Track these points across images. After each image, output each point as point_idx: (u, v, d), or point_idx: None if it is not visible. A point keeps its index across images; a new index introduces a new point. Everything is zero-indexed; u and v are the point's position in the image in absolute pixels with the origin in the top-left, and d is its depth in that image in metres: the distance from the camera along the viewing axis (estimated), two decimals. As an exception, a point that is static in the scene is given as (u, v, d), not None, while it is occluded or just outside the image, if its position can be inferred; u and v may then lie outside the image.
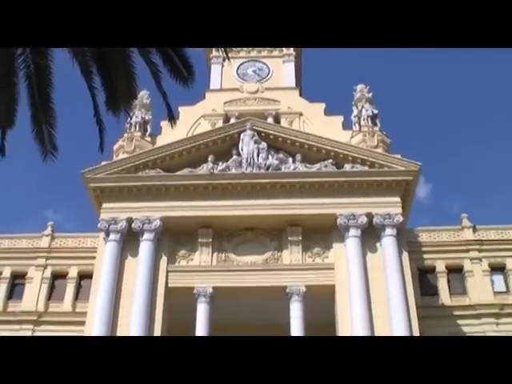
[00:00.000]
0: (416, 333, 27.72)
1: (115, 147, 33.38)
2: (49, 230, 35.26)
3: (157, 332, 28.46)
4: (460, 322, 31.64)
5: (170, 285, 29.80)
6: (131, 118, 31.30)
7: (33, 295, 33.42)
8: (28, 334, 32.17)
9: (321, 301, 28.92)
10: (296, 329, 28.35)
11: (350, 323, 27.88)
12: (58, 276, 33.96)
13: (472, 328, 31.39)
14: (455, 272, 33.29)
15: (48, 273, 33.89)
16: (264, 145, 31.63)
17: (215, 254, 30.55)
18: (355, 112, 34.37)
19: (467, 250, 33.63)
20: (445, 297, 32.46)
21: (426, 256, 33.27)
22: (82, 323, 29.64)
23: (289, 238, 30.41)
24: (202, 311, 29.07)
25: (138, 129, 33.29)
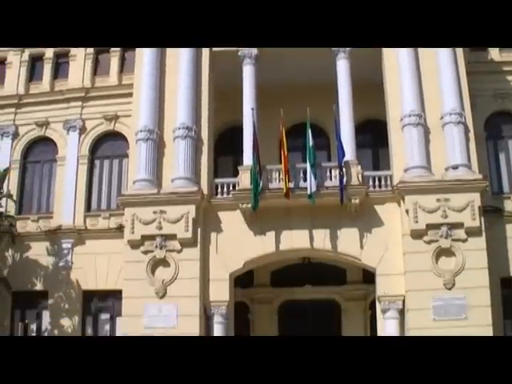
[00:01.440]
0: (465, 89, 27.50)
1: None
2: (88, 5, 34.39)
3: (204, 99, 28.55)
4: (509, 78, 30.85)
5: (214, 49, 29.39)
6: None
7: (78, 72, 33.21)
8: (77, 111, 32.66)
9: (368, 60, 28.17)
10: (343, 87, 28.04)
11: (399, 82, 27.62)
12: (102, 51, 33.41)
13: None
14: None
15: (91, 48, 33.52)
16: None
17: (258, 12, 29.67)
18: None
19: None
20: (494, 52, 31.35)
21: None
22: (130, 95, 29.91)
23: (333, -6, 29.27)
24: (247, 73, 28.75)
25: None
